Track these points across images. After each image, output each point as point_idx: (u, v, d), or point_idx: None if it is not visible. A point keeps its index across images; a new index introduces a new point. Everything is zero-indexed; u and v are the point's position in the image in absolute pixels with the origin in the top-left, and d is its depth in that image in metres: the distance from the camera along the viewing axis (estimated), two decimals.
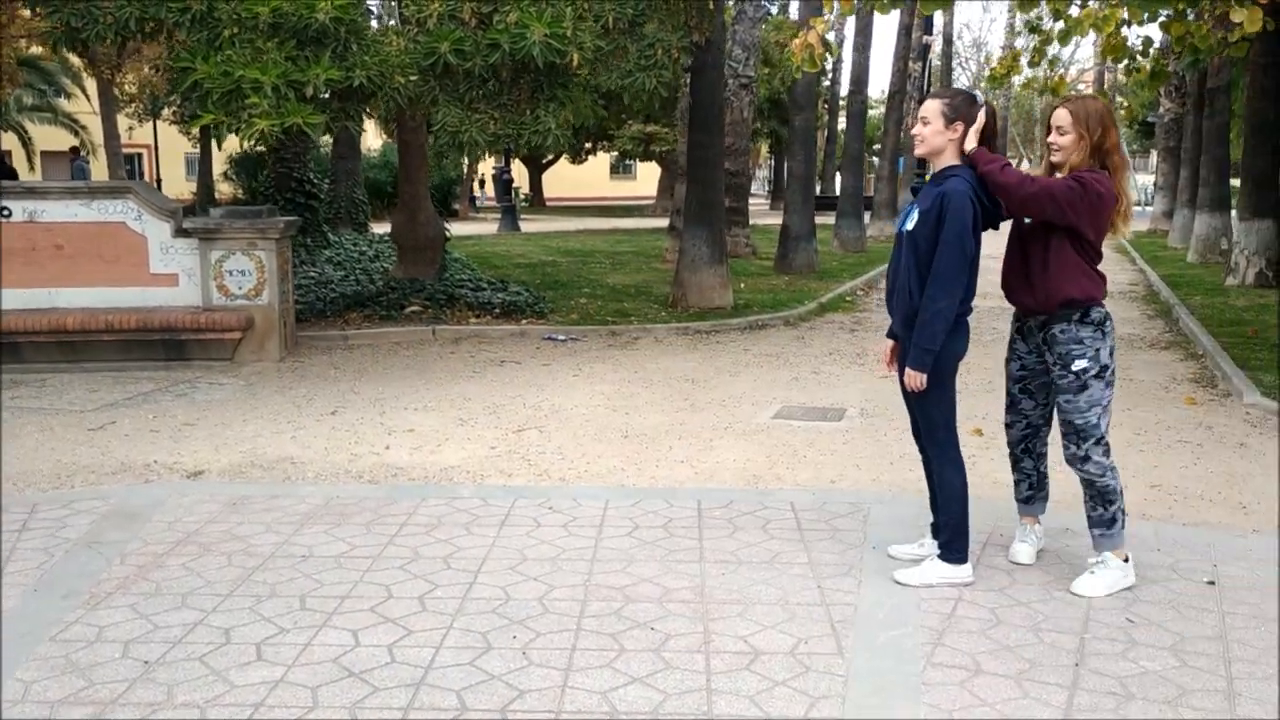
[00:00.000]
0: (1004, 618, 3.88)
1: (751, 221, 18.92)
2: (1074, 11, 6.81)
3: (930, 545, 4.40)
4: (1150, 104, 41.78)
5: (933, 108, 4.03)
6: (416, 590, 4.11)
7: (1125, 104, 19.52)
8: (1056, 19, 7.66)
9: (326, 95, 7.31)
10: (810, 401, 7.50)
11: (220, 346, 8.76)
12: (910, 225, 4.03)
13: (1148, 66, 8.74)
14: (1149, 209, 37.26)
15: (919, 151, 4.12)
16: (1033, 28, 8.77)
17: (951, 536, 4.17)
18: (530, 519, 4.92)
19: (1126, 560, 4.18)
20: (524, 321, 10.54)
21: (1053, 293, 4.02)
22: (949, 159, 4.03)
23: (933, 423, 4.13)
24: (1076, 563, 4.40)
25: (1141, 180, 50.16)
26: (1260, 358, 8.86)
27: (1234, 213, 19.58)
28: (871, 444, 6.38)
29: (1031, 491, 4.53)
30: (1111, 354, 4.09)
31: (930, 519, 4.44)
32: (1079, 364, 4.04)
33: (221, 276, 8.80)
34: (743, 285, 13.60)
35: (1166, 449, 6.30)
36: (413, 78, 7.58)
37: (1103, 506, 4.16)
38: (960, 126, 4.00)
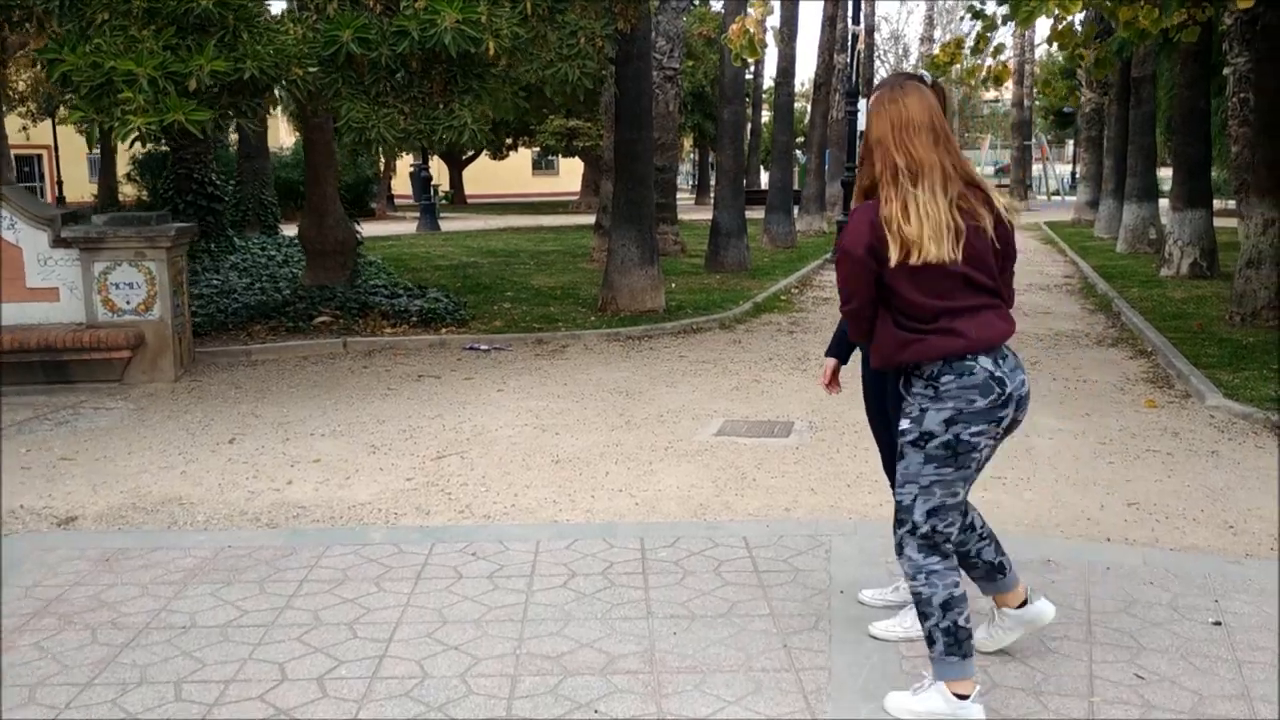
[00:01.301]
0: (1000, 678, 3.38)
1: (679, 217, 18.41)
2: None
3: (905, 590, 3.89)
4: (1068, 95, 42.27)
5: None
6: (316, 668, 3.48)
7: (1041, 93, 19.41)
8: (1001, 3, 7.25)
9: (215, 89, 6.57)
10: (754, 414, 6.98)
11: (107, 367, 7.96)
12: None
13: (1092, 56, 8.39)
14: (1070, 199, 37.69)
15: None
16: (976, 13, 8.38)
17: None
18: (450, 569, 4.31)
19: (964, 698, 3.03)
20: (444, 330, 9.87)
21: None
22: None
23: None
24: (1064, 602, 3.93)
25: (1061, 170, 50.87)
26: (1211, 353, 8.57)
27: (1163, 202, 19.62)
28: (825, 463, 5.87)
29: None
30: (951, 425, 2.94)
31: None
32: (901, 423, 3.08)
33: (107, 290, 8.00)
34: (674, 285, 13.08)
35: (1136, 459, 5.89)
36: (312, 69, 6.88)
37: (920, 618, 3.12)
38: None
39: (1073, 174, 49.31)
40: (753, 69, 37.94)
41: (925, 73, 3.54)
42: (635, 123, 11.01)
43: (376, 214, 30.46)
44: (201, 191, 13.81)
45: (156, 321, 8.06)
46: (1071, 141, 53.53)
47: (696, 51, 27.05)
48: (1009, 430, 3.10)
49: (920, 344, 2.94)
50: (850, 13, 17.63)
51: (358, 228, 11.77)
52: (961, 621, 3.03)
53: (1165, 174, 21.67)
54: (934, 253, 2.84)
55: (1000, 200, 3.00)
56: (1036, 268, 16.44)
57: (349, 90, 7.10)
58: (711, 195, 33.63)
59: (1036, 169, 43.17)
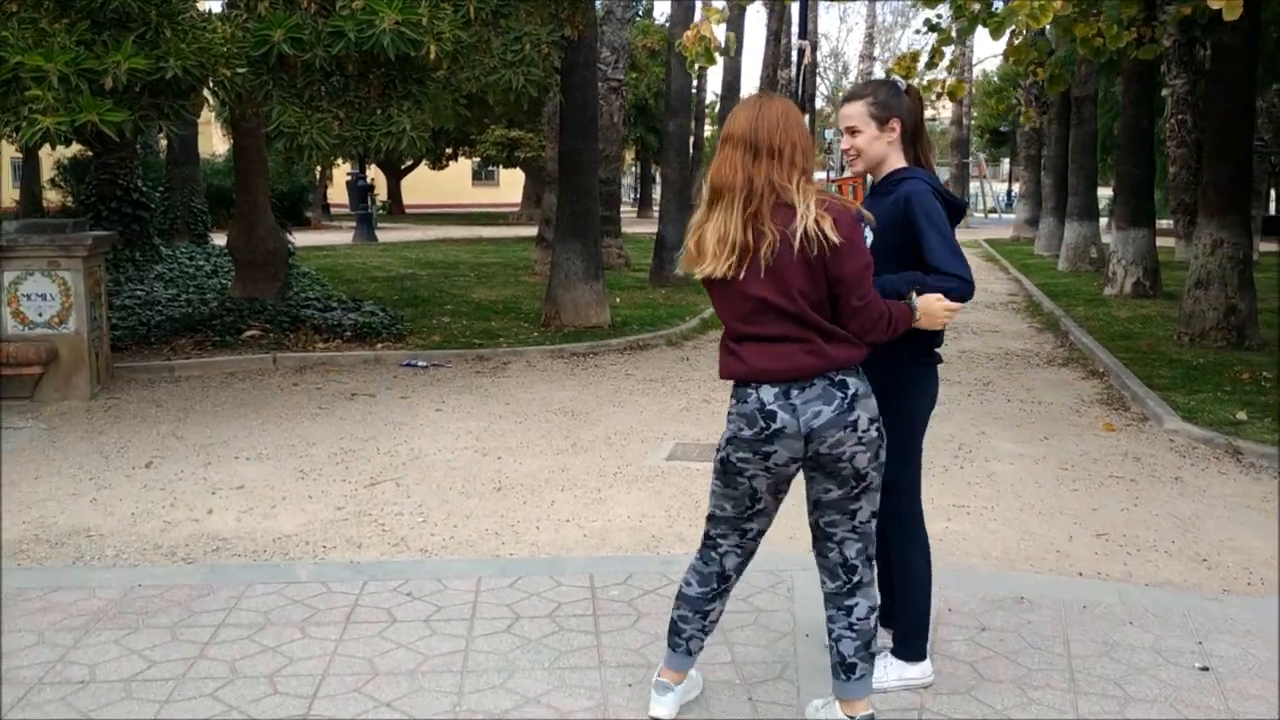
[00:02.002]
0: None
1: (625, 230, 18.13)
2: (998, 5, 6.24)
3: (880, 633, 3.62)
4: (1006, 113, 42.86)
5: (857, 112, 3.25)
6: None
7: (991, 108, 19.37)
8: (958, 16, 7.09)
9: (135, 89, 6.15)
10: (706, 437, 6.70)
11: (17, 383, 7.46)
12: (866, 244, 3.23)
13: (1045, 73, 8.28)
14: (1007, 217, 38.15)
15: (857, 169, 3.32)
16: (932, 26, 8.22)
17: (910, 630, 3.39)
18: (383, 611, 3.95)
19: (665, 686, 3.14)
20: (379, 346, 9.47)
21: None
22: (894, 163, 3.28)
23: (897, 489, 3.33)
24: (1043, 645, 3.69)
25: (997, 188, 51.58)
26: (1163, 374, 8.48)
27: (1103, 221, 19.78)
28: None
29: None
30: (726, 444, 2.94)
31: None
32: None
33: (17, 301, 7.51)
34: (618, 300, 12.79)
35: (1100, 487, 5.71)
36: (241, 70, 6.49)
37: None
38: (897, 124, 3.26)
39: (1008, 192, 50.04)
40: (695, 83, 37.92)
41: (898, 78, 3.31)
42: (581, 133, 10.71)
43: (312, 224, 29.81)
44: (126, 198, 13.24)
45: (71, 335, 7.58)
46: (1007, 160, 54.36)
47: (640, 64, 26.87)
48: (824, 468, 2.89)
49: (721, 359, 2.99)
50: (796, 29, 17.52)
51: (290, 238, 11.31)
52: (675, 615, 3.15)
53: (1104, 193, 21.91)
54: (708, 267, 2.83)
55: (821, 222, 2.73)
56: (981, 285, 16.22)
57: (281, 93, 6.71)
58: (654, 209, 33.42)
59: (974, 186, 43.65)
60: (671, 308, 12.66)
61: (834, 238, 2.73)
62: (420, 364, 8.92)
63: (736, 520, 3.05)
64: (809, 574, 4.30)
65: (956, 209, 3.27)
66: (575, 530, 4.96)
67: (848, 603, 3.02)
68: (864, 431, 2.86)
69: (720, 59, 17.05)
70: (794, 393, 2.82)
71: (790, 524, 5.04)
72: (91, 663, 3.54)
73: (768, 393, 2.84)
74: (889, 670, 3.40)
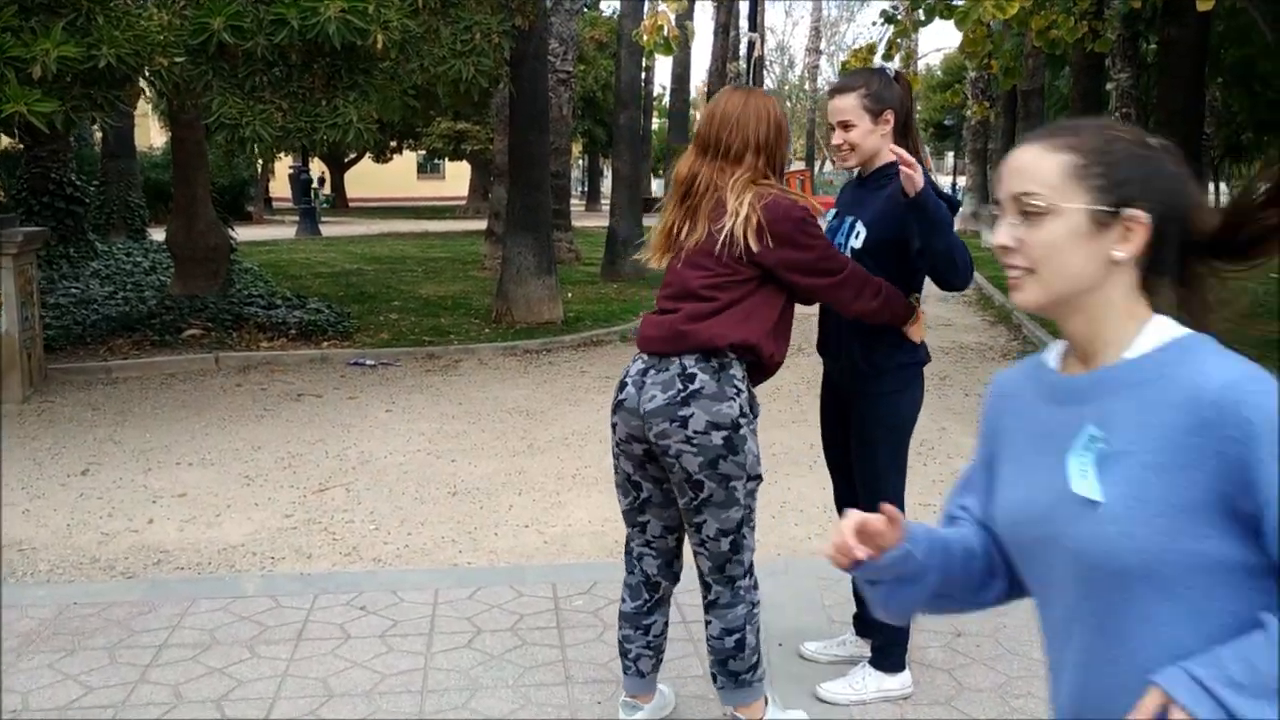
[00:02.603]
0: None
1: (575, 224, 17.93)
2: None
3: (854, 643, 3.52)
4: (954, 106, 43.21)
5: (850, 105, 3.08)
6: None
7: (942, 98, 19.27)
8: (915, 8, 7.00)
9: (66, 78, 5.86)
10: None
11: None
12: (857, 242, 3.10)
13: (1000, 66, 8.22)
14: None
15: (850, 163, 3.17)
16: (889, 18, 8.13)
17: (889, 640, 3.27)
18: (336, 627, 3.76)
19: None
20: (325, 344, 9.20)
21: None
22: (887, 156, 3.14)
23: (884, 498, 3.19)
24: (1022, 651, 3.60)
25: (942, 181, 52.07)
26: None
27: None
28: None
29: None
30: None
31: (854, 610, 3.56)
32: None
33: None
34: (570, 295, 12.60)
35: None
36: (179, 60, 6.22)
37: None
38: (891, 116, 3.11)
39: (953, 185, 50.50)
40: (644, 75, 37.76)
41: (888, 65, 3.19)
42: (532, 125, 10.50)
43: (253, 218, 29.19)
44: (59, 193, 12.77)
45: (1, 335, 7.25)
46: (951, 153, 54.85)
47: (588, 56, 26.63)
48: (659, 462, 2.80)
49: None
50: (746, 21, 17.45)
51: (232, 233, 10.98)
52: (619, 635, 3.03)
53: None
54: (653, 259, 2.91)
55: (746, 227, 2.70)
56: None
57: (221, 83, 6.45)
58: (603, 202, 33.23)
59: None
60: (624, 302, 12.50)
61: (754, 246, 2.68)
62: (368, 363, 8.68)
63: (631, 514, 2.97)
64: (777, 580, 4.20)
65: (952, 206, 3.15)
66: (535, 536, 4.80)
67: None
68: (697, 433, 2.68)
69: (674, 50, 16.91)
70: (651, 371, 2.78)
71: (761, 523, 4.92)
72: (24, 689, 3.32)
73: (636, 364, 2.84)
74: (867, 682, 3.29)
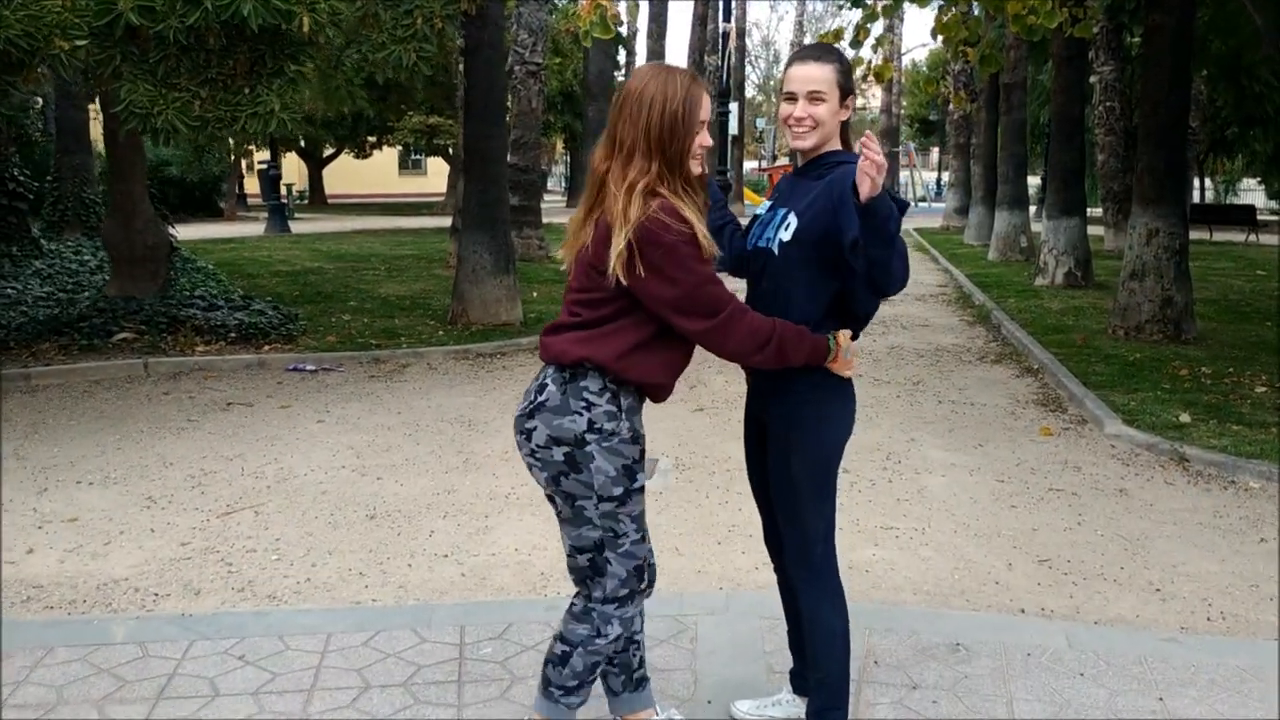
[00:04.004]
0: None
1: (547, 220, 17.42)
2: None
3: (791, 703, 3.06)
4: (932, 101, 42.86)
5: (826, 76, 2.61)
6: None
7: (922, 90, 18.66)
8: None
9: None
10: None
11: None
12: (786, 234, 2.64)
13: (977, 54, 7.79)
14: (937, 205, 38.10)
15: (808, 142, 2.66)
16: (856, 2, 7.69)
17: (829, 701, 2.81)
18: (206, 682, 3.29)
19: None
20: (266, 348, 8.70)
21: None
22: (836, 143, 2.70)
23: (808, 536, 2.74)
24: (986, 709, 3.15)
25: (926, 176, 51.72)
26: (1099, 371, 8.07)
27: (1032, 209, 19.52)
28: (692, 511, 5.03)
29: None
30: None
31: (790, 664, 3.11)
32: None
33: None
34: (535, 295, 12.13)
35: (1040, 501, 5.22)
36: (81, 43, 5.72)
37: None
38: (852, 101, 2.71)
39: (938, 181, 50.16)
40: (624, 69, 37.24)
41: (837, 48, 2.75)
42: (486, 117, 10.01)
43: (226, 214, 28.61)
44: (1, 188, 12.25)
45: None
46: (936, 149, 54.54)
47: (564, 49, 26.13)
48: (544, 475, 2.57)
49: None
50: (721, 12, 16.98)
51: (173, 230, 10.46)
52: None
53: (1032, 181, 21.67)
54: (562, 258, 2.63)
55: (615, 244, 2.36)
56: (911, 276, 16.01)
57: (131, 69, 5.96)
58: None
59: (904, 175, 43.60)
60: None
61: (624, 279, 2.36)
62: (308, 368, 8.19)
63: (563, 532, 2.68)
64: (717, 619, 3.76)
65: (901, 209, 2.68)
66: (452, 568, 4.33)
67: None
68: (539, 446, 2.50)
69: (644, 43, 16.32)
70: (542, 382, 2.57)
71: (700, 553, 4.48)
72: None
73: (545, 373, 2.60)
74: None
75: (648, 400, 2.65)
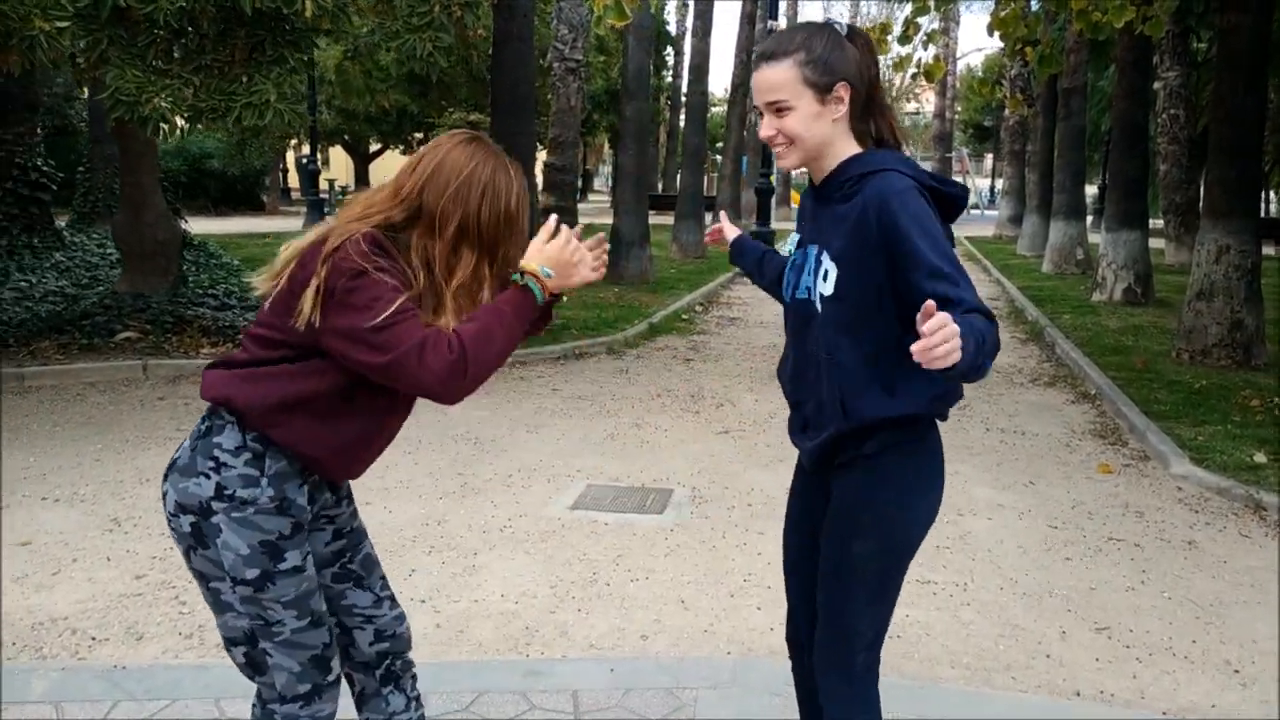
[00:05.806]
0: None
1: (589, 222, 16.94)
2: None
3: None
4: (987, 106, 41.91)
5: (782, 78, 2.04)
6: None
7: (977, 93, 17.84)
8: None
9: None
10: (626, 476, 5.61)
11: None
12: (827, 288, 2.08)
13: (1035, 54, 7.19)
14: (990, 213, 37.23)
15: (789, 161, 2.11)
16: None
17: None
18: None
19: None
20: None
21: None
22: (843, 149, 2.13)
23: (852, 641, 2.18)
24: None
25: (980, 184, 50.71)
26: (1162, 399, 7.44)
27: (1089, 220, 18.74)
28: (704, 554, 4.51)
29: None
30: None
31: None
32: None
33: None
34: (564, 299, 11.65)
35: (1098, 553, 4.64)
36: (63, 24, 5.32)
37: None
38: (845, 91, 2.06)
39: (992, 188, 49.12)
40: (672, 69, 36.71)
41: (837, 21, 2.18)
42: (514, 113, 9.56)
43: (268, 208, 28.55)
44: (24, 178, 12.01)
45: None
46: (991, 155, 53.44)
47: (609, 47, 25.66)
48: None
49: None
50: (769, 9, 16.41)
51: (185, 224, 10.12)
52: None
53: (1089, 190, 20.87)
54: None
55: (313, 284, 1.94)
56: None
57: (119, 54, 5.55)
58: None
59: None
60: (621, 308, 11.57)
61: (317, 322, 1.93)
62: None
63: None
64: (720, 693, 3.25)
65: (952, 201, 2.13)
66: (428, 617, 3.85)
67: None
68: (170, 514, 2.04)
69: (686, 45, 15.76)
70: None
71: (709, 607, 3.94)
72: None
73: None
74: None
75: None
